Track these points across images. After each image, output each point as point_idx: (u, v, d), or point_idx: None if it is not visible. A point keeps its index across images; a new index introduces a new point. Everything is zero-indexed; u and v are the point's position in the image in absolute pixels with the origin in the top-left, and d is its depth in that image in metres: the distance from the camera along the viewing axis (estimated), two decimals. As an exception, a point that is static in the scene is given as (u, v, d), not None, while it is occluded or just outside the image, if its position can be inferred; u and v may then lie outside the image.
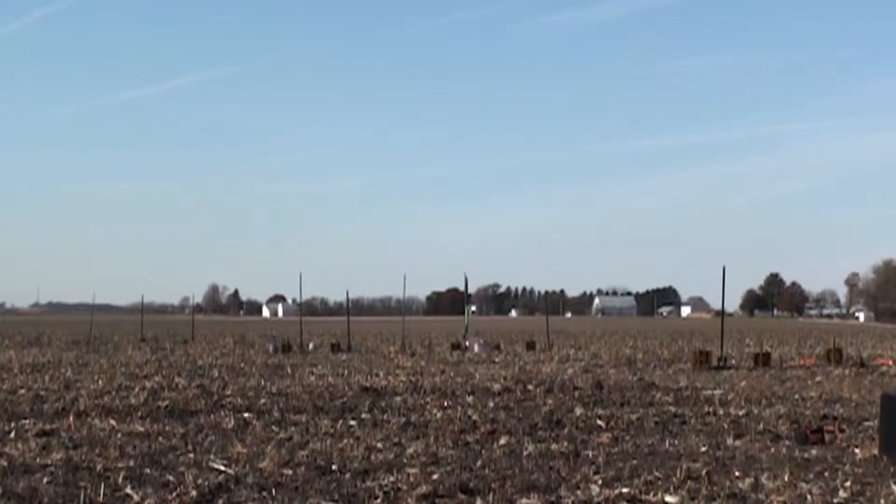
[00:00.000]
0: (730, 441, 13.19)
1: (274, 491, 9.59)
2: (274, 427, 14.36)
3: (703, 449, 12.43)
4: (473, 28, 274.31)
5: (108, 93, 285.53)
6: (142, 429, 14.05)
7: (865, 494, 9.59)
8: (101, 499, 9.22)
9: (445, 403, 17.83)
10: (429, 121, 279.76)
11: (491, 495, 9.40)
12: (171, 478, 10.18)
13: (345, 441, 12.90)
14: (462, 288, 48.99)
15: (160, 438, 13.13)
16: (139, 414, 15.91)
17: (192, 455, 11.69)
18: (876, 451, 11.95)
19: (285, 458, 11.44)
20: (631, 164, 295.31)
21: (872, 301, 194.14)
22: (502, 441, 13.01)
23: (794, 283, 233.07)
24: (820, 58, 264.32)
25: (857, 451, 12.30)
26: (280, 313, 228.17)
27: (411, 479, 10.17)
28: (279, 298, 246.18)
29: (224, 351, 39.71)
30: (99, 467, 10.83)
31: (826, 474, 10.62)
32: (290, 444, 12.60)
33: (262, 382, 22.22)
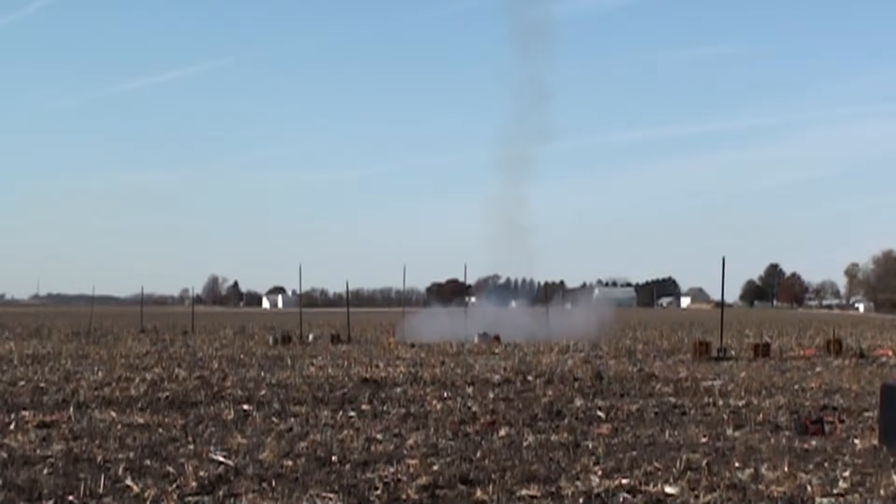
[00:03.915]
0: (729, 432, 13.21)
1: (274, 482, 9.60)
2: (274, 418, 14.36)
3: (703, 440, 12.44)
4: (473, 18, 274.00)
5: (107, 84, 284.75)
6: (142, 420, 14.06)
7: (865, 485, 9.60)
8: (101, 490, 9.23)
9: (445, 394, 17.85)
10: (428, 111, 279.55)
11: (491, 486, 9.41)
12: (171, 469, 10.19)
13: (345, 432, 12.91)
14: (462, 279, 48.91)
15: (160, 430, 13.14)
16: (139, 405, 15.92)
17: (192, 446, 11.70)
18: (876, 442, 11.97)
19: (285, 449, 11.46)
20: (631, 155, 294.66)
21: (872, 292, 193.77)
22: (502, 432, 13.02)
23: (793, 274, 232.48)
24: (820, 47, 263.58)
25: (856, 441, 12.31)
26: (280, 304, 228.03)
27: (411, 470, 10.17)
28: (279, 290, 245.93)
29: (224, 342, 39.72)
30: (99, 459, 10.84)
31: (826, 465, 10.63)
32: (290, 436, 12.61)
33: (262, 374, 22.21)
